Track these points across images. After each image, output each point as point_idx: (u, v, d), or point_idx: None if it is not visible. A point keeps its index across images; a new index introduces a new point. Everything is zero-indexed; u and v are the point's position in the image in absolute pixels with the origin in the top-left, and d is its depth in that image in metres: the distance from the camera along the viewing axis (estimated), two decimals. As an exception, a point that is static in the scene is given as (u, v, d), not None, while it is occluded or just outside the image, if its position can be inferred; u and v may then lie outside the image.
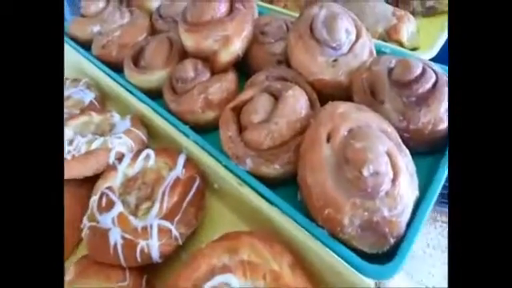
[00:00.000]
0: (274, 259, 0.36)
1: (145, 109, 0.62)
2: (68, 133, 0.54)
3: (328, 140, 0.41)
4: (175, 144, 0.55)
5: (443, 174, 0.43)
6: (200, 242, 0.44)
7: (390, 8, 0.67)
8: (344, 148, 0.39)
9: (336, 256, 0.37)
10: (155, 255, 0.39)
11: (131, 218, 0.42)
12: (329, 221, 0.37)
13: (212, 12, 0.60)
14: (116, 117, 0.62)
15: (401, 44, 0.63)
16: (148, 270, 0.41)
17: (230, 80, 0.61)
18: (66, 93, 0.70)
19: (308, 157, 0.41)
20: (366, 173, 0.36)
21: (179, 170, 0.48)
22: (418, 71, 0.46)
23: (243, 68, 0.65)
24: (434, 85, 0.46)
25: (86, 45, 0.82)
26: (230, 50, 0.60)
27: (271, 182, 0.47)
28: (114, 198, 0.43)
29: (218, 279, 0.35)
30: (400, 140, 0.42)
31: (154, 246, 0.38)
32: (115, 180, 0.47)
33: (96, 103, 0.69)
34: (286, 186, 0.47)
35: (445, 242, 0.60)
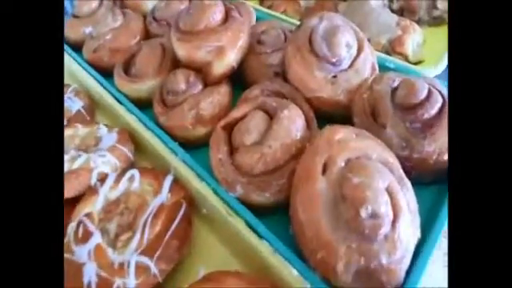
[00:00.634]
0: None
1: (133, 121, 0.59)
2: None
3: (324, 171, 0.38)
4: (163, 161, 0.52)
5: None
6: (184, 277, 0.41)
7: (394, 18, 0.63)
8: (341, 182, 0.36)
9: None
10: (132, 295, 0.36)
11: (109, 250, 0.39)
12: (322, 264, 0.34)
13: (206, 21, 0.57)
14: (103, 129, 0.59)
15: (405, 57, 0.59)
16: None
17: (223, 93, 0.57)
18: (53, 101, 0.66)
19: (301, 190, 0.38)
20: (363, 214, 0.33)
21: (164, 195, 0.45)
22: (424, 95, 0.42)
23: (239, 79, 0.62)
24: (441, 110, 0.42)
25: (78, 47, 0.79)
26: (223, 62, 0.56)
27: (262, 211, 0.44)
28: (91, 228, 0.40)
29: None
30: (402, 172, 0.39)
31: (130, 285, 0.35)
32: (96, 204, 0.44)
33: (84, 112, 0.66)
34: (279, 214, 0.44)
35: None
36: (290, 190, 0.41)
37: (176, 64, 0.63)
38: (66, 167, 0.49)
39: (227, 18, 0.58)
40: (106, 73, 0.70)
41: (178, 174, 0.50)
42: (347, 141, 0.41)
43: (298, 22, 0.67)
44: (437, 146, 0.40)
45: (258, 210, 0.43)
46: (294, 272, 0.36)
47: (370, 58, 0.51)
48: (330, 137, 0.41)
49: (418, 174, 0.41)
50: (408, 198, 0.36)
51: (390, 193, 0.35)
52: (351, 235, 0.33)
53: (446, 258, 0.40)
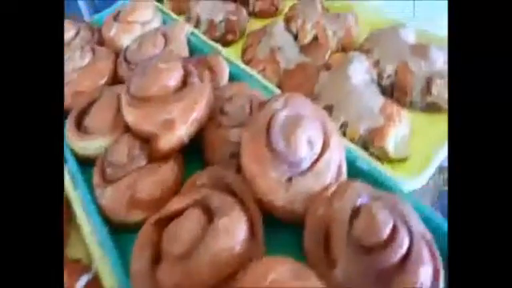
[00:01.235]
0: None
1: (70, 189, 0.52)
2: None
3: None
4: (88, 252, 0.45)
5: None
6: None
7: (379, 101, 0.52)
8: None
9: None
10: None
11: None
12: None
13: (157, 87, 0.49)
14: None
15: (385, 153, 0.50)
16: None
17: (167, 173, 0.49)
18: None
19: None
20: None
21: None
22: (385, 234, 0.33)
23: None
24: (406, 255, 0.33)
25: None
26: (171, 137, 0.49)
27: None
28: None
29: None
30: None
31: None
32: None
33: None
34: None
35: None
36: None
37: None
38: None
39: (185, 83, 0.51)
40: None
41: (97, 273, 0.42)
42: (282, 282, 0.32)
43: (274, 89, 0.59)
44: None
45: None
46: None
47: (335, 158, 0.42)
48: (261, 276, 0.33)
49: None
50: None
51: None
52: None
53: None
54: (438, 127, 0.52)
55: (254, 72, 0.62)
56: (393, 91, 0.56)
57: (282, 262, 0.34)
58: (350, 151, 0.46)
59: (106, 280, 0.42)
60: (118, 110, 0.58)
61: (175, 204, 0.44)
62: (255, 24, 0.81)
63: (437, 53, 0.57)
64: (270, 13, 0.81)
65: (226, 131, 0.51)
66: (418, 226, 0.35)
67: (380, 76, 0.57)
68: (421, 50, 0.57)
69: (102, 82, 0.70)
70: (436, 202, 0.53)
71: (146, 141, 0.51)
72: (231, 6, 0.78)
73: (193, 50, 0.73)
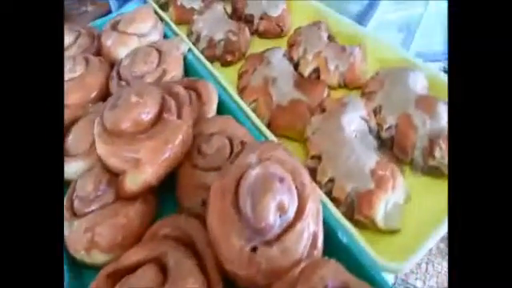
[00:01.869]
0: None
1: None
2: None
3: None
4: None
5: None
6: None
7: (371, 161, 0.45)
8: None
9: None
10: None
11: None
12: None
13: (128, 122, 0.46)
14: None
15: (373, 223, 0.44)
16: None
17: (131, 215, 0.46)
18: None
19: None
20: None
21: None
22: None
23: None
24: None
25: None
26: (137, 178, 0.45)
27: None
28: None
29: None
30: None
31: None
32: None
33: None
34: None
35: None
36: None
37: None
38: None
39: (159, 119, 0.47)
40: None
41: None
42: None
43: (262, 128, 0.55)
44: None
45: None
46: None
47: (311, 227, 0.37)
48: None
49: None
50: None
51: None
52: None
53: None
54: (438, 193, 0.45)
55: (244, 104, 0.58)
56: (393, 146, 0.50)
57: None
58: (330, 219, 0.40)
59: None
60: (98, 133, 0.56)
61: (132, 255, 0.41)
62: (259, 44, 0.76)
63: (445, 109, 0.50)
64: (275, 33, 0.76)
65: (201, 174, 0.47)
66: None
67: (380, 126, 0.51)
68: (428, 102, 0.51)
69: (91, 96, 0.68)
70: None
71: (116, 175, 0.48)
72: (234, 26, 0.73)
73: (188, 69, 0.69)
